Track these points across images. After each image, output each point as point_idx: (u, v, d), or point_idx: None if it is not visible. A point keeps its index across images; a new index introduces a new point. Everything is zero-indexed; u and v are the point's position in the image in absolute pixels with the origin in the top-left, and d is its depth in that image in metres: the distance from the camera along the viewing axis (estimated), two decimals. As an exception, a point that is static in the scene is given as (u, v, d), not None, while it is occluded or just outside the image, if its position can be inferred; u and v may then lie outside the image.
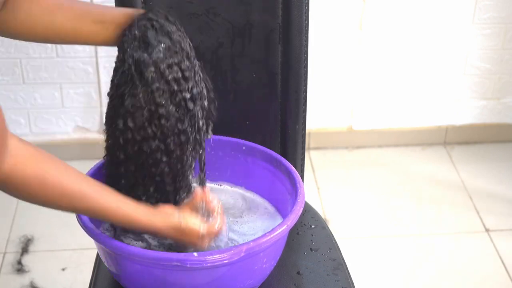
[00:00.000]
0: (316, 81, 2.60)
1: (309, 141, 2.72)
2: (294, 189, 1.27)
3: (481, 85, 2.71)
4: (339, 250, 1.42)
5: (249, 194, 1.39)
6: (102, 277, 1.35)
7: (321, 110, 2.70)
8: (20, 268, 2.19)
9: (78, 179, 1.09)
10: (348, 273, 1.36)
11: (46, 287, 2.14)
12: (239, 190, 1.40)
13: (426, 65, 2.65)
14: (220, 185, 1.41)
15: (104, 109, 2.58)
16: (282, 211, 1.34)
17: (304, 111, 1.48)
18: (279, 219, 1.33)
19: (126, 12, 1.16)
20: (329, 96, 2.68)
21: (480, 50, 2.65)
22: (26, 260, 2.23)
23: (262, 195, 1.39)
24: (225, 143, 1.38)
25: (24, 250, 2.27)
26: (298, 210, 1.19)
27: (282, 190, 1.32)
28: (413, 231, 2.37)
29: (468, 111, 2.76)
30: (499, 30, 2.61)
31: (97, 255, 1.41)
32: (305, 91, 1.47)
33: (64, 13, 1.15)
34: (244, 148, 1.38)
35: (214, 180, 1.41)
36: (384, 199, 2.51)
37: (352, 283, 1.34)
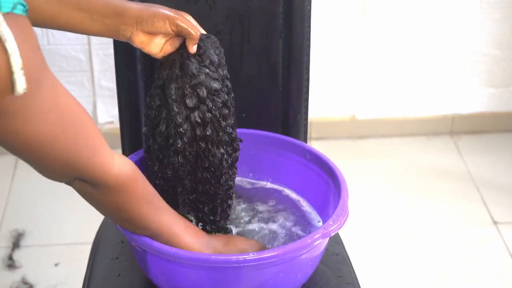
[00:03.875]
0: (317, 69, 2.60)
1: (311, 131, 2.72)
2: (337, 189, 1.28)
3: (489, 72, 2.72)
4: (343, 244, 1.42)
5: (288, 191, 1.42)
6: (97, 273, 1.35)
7: (323, 99, 2.70)
8: (11, 264, 2.20)
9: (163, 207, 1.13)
10: (352, 268, 1.37)
11: (38, 283, 2.15)
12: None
13: (431, 51, 2.65)
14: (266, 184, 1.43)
15: (97, 98, 2.59)
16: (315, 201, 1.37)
17: (306, 100, 1.49)
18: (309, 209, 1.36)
19: (119, 6, 1.16)
20: (331, 85, 2.69)
21: (488, 36, 2.65)
22: (18, 255, 2.24)
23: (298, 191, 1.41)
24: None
25: (15, 245, 2.27)
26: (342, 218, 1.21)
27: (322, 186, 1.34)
28: (418, 224, 2.38)
29: (476, 99, 2.77)
30: (509, 15, 2.61)
31: (92, 249, 1.42)
32: (307, 80, 1.48)
33: None
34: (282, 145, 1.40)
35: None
36: (388, 191, 2.52)
37: (356, 279, 1.34)
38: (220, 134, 1.17)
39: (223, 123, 1.18)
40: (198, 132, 1.16)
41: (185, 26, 1.15)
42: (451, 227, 2.37)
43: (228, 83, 1.19)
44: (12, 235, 2.30)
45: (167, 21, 1.15)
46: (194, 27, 1.16)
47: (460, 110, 2.78)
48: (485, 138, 2.79)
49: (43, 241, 2.29)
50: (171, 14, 1.15)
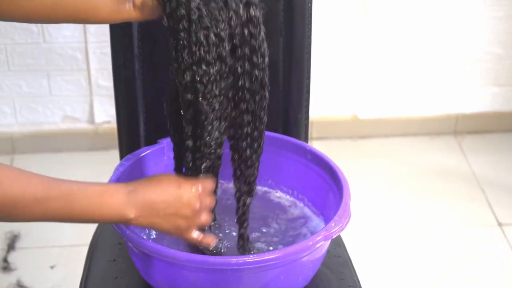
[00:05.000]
0: (318, 68, 2.60)
1: (312, 130, 2.72)
2: (338, 190, 1.28)
3: (493, 71, 2.72)
4: (345, 246, 1.42)
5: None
6: (94, 275, 1.35)
7: (324, 98, 2.70)
8: (6, 266, 2.20)
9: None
10: (354, 270, 1.37)
11: (34, 285, 2.14)
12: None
13: (434, 50, 2.65)
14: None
15: (94, 97, 2.59)
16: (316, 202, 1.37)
17: (307, 99, 1.49)
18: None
19: None
20: (333, 84, 2.69)
21: (492, 34, 2.65)
22: (13, 257, 2.24)
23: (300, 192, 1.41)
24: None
25: (11, 247, 2.27)
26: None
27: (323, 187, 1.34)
28: (422, 226, 2.38)
29: (479, 98, 2.77)
30: (512, 13, 2.62)
31: (89, 251, 1.42)
32: (308, 79, 1.48)
33: None
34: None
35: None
36: (390, 191, 2.52)
37: (358, 281, 1.35)
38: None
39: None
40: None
41: None
42: (454, 228, 2.37)
43: None
44: (7, 237, 2.30)
45: None
46: None
47: (463, 109, 2.78)
48: (489, 138, 2.79)
49: (39, 243, 2.29)
50: None
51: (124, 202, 1.08)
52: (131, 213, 1.08)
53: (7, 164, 1.02)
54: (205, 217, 1.13)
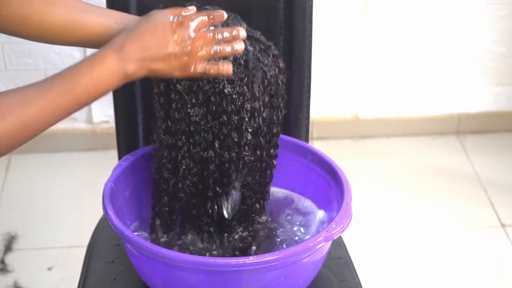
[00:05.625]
0: (319, 67, 2.60)
1: (312, 130, 2.72)
2: (339, 190, 1.28)
3: (496, 70, 2.72)
4: (346, 247, 1.42)
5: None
6: (91, 277, 1.35)
7: (325, 98, 2.70)
8: (3, 268, 2.20)
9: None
10: (355, 272, 1.37)
11: (31, 287, 2.15)
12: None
13: (436, 48, 2.65)
14: None
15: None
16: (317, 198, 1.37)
17: (308, 99, 1.49)
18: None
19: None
20: (333, 83, 2.69)
21: (495, 33, 2.65)
22: (10, 258, 2.24)
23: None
24: None
25: (7, 248, 2.27)
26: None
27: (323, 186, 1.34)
28: (424, 227, 2.38)
29: (482, 98, 2.77)
30: (516, 11, 2.62)
31: (86, 253, 1.42)
32: (309, 78, 1.48)
33: (66, 3, 1.15)
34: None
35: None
36: (392, 192, 2.52)
37: (360, 283, 1.35)
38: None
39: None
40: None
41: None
42: (456, 229, 2.37)
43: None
44: (4, 238, 2.30)
45: None
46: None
47: (466, 109, 2.78)
48: (493, 138, 2.79)
49: (36, 244, 2.29)
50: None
51: (117, 63, 1.07)
52: (129, 68, 1.08)
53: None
54: (201, 43, 1.10)
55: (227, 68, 1.12)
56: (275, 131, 1.22)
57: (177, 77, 1.12)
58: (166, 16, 1.09)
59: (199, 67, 1.11)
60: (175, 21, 1.09)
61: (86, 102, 1.07)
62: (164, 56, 1.08)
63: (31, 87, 1.04)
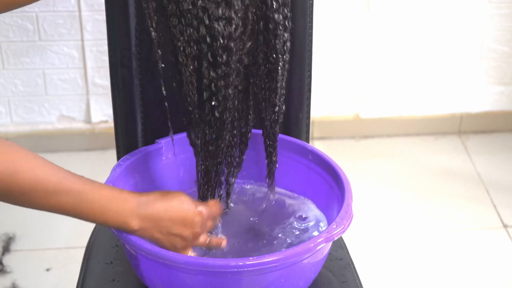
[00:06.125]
0: (320, 66, 2.60)
1: (313, 130, 2.72)
2: (340, 190, 1.28)
3: (499, 69, 2.72)
4: (347, 248, 1.42)
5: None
6: (90, 278, 1.35)
7: (326, 97, 2.70)
8: (1, 269, 2.20)
9: (53, 169, 1.06)
10: (356, 273, 1.37)
11: (29, 289, 2.15)
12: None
13: (438, 48, 2.65)
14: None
15: (91, 97, 2.58)
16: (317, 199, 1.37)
17: (308, 98, 1.48)
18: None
19: None
20: (334, 82, 2.69)
21: (497, 31, 2.65)
22: (8, 260, 2.24)
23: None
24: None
25: (5, 249, 2.27)
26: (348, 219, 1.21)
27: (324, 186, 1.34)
28: (425, 228, 2.38)
29: (485, 97, 2.77)
30: (518, 10, 2.62)
31: (85, 254, 1.42)
32: (309, 77, 1.47)
33: None
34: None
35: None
36: (394, 192, 2.52)
37: (361, 284, 1.34)
38: None
39: None
40: None
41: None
42: (458, 230, 2.37)
43: None
44: (1, 239, 2.30)
45: None
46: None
47: (468, 108, 2.78)
48: (495, 138, 2.79)
49: (34, 245, 2.29)
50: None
51: (132, 213, 1.11)
52: (135, 225, 1.11)
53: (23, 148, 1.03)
54: (203, 239, 1.19)
55: (223, 244, 1.23)
56: None
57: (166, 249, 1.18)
58: (195, 224, 1.16)
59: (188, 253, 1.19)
60: (198, 231, 1.17)
61: (84, 217, 1.10)
62: (171, 241, 1.16)
63: (54, 169, 1.05)
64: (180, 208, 1.14)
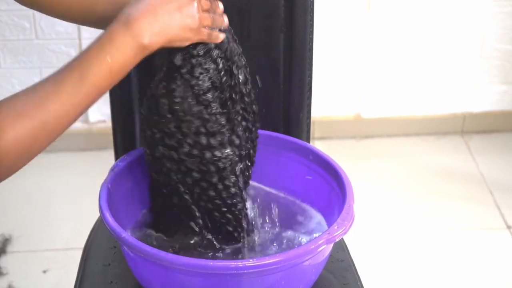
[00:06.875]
0: (321, 65, 2.60)
1: (313, 130, 2.72)
2: (341, 191, 1.28)
3: (501, 68, 2.72)
4: (348, 250, 1.42)
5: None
6: (88, 280, 1.35)
7: (327, 97, 2.70)
8: (-3, 271, 2.21)
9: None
10: (358, 275, 1.37)
11: (26, 291, 2.15)
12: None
13: (440, 47, 2.65)
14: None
15: (89, 96, 2.58)
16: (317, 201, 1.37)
17: (309, 98, 1.49)
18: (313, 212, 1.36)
19: None
20: (335, 82, 2.69)
21: (500, 30, 2.65)
22: (4, 261, 2.24)
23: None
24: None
25: (2, 250, 2.27)
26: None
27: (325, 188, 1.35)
28: (427, 229, 2.38)
29: (487, 97, 2.77)
30: (521, 8, 2.62)
31: (82, 255, 1.42)
32: (310, 76, 1.48)
33: None
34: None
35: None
36: (395, 193, 2.52)
37: (362, 286, 1.34)
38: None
39: None
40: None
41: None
42: (461, 231, 2.37)
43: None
44: (-2, 240, 2.30)
45: None
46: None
47: (471, 108, 2.78)
48: (498, 138, 2.79)
49: (31, 246, 2.29)
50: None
51: (129, 36, 1.05)
52: (143, 39, 1.06)
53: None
54: (206, 22, 1.13)
55: (222, 36, 1.16)
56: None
57: (191, 41, 1.13)
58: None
59: (205, 33, 1.13)
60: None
61: (105, 85, 1.05)
62: (176, 26, 1.09)
63: (45, 82, 1.02)
64: None
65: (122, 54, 1.05)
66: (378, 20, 2.59)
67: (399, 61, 2.67)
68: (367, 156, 2.70)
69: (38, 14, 2.43)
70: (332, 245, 1.20)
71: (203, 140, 1.14)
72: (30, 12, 2.43)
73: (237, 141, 1.19)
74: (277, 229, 1.33)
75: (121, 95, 1.47)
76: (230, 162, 1.18)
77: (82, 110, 1.03)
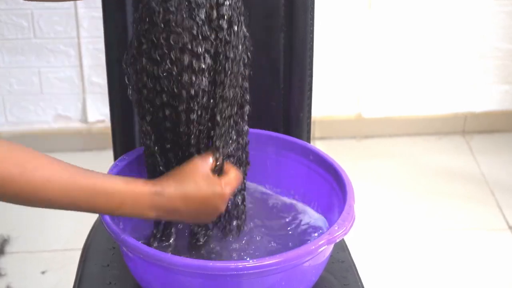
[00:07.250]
0: (321, 65, 2.60)
1: (314, 130, 2.72)
2: (342, 191, 1.28)
3: (503, 68, 2.72)
4: (348, 251, 1.42)
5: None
6: (86, 281, 1.35)
7: (327, 97, 2.70)
8: (-5, 271, 2.21)
9: (63, 167, 1.07)
10: (358, 276, 1.37)
11: (24, 292, 2.15)
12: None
13: (441, 46, 2.65)
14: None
15: (87, 95, 2.58)
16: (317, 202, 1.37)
17: (309, 98, 1.48)
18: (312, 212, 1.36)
19: None
20: (336, 81, 2.69)
21: (501, 29, 2.65)
22: (2, 262, 2.24)
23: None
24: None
25: (0, 251, 2.27)
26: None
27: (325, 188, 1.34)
28: (428, 229, 2.38)
29: (489, 96, 2.77)
30: (523, 7, 2.62)
31: (81, 256, 1.42)
32: (310, 76, 1.48)
33: None
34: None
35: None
36: (396, 193, 2.52)
37: (363, 287, 1.34)
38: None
39: None
40: None
41: None
42: (463, 232, 2.37)
43: None
44: (-4, 241, 2.30)
45: None
46: None
47: (472, 108, 2.78)
48: (500, 138, 2.79)
49: (30, 247, 2.29)
50: None
51: (148, 206, 1.09)
52: (153, 216, 1.10)
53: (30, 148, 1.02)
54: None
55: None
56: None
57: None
58: (220, 206, 1.13)
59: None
60: (223, 210, 1.14)
61: (98, 212, 1.10)
62: (192, 219, 1.15)
63: (65, 167, 1.07)
64: (198, 194, 1.10)
65: (132, 213, 1.09)
66: (379, 19, 2.59)
67: (400, 61, 2.67)
68: (367, 156, 2.70)
69: (36, 13, 2.43)
70: (332, 245, 1.20)
71: (186, 58, 1.12)
72: (28, 11, 2.43)
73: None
74: (277, 229, 1.33)
75: (120, 95, 1.47)
76: (202, 95, 1.15)
77: (61, 208, 1.06)
